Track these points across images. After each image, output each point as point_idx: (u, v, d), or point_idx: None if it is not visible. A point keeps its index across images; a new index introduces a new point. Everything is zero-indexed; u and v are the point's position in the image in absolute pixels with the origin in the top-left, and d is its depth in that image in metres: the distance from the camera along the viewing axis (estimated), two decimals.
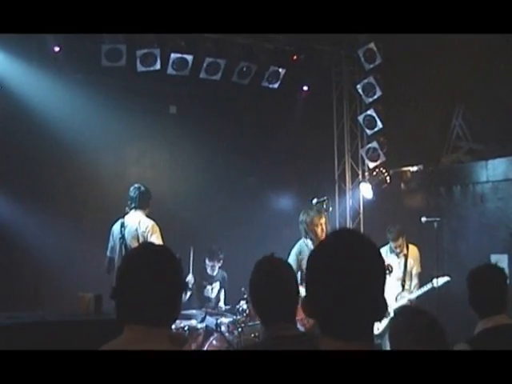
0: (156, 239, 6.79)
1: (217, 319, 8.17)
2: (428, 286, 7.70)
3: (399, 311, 3.42)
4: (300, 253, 7.26)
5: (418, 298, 7.95)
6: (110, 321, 4.84)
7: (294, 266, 7.06)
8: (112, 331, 4.14)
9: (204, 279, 8.80)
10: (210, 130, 9.76)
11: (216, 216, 9.64)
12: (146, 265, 2.53)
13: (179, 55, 8.79)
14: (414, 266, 8.10)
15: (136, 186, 7.20)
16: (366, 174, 10.20)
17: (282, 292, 3.16)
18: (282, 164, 10.32)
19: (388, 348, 7.63)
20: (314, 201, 7.10)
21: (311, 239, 7.30)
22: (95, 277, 7.55)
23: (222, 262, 8.94)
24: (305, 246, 7.36)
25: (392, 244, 8.08)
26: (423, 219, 7.72)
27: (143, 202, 7.13)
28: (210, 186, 9.78)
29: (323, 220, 7.31)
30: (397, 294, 8.06)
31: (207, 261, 8.85)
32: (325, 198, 7.05)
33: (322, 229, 7.39)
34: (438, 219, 7.62)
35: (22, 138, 8.48)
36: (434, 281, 7.57)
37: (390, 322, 7.51)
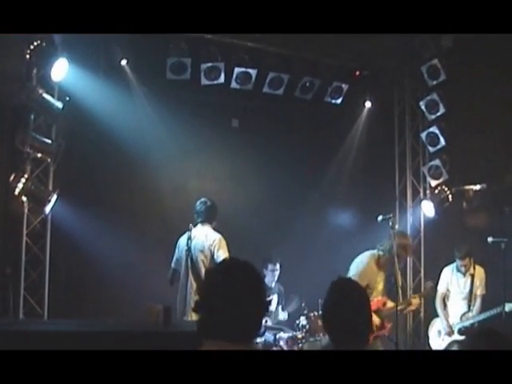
0: (223, 253, 6.81)
1: (275, 334, 8.15)
2: (497, 310, 7.51)
3: (483, 332, 3.34)
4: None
5: (480, 322, 7.78)
6: (179, 333, 4.87)
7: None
8: (181, 343, 4.18)
9: None
10: (272, 145, 9.77)
11: (276, 230, 9.62)
12: (232, 280, 2.54)
13: (243, 69, 8.85)
14: (479, 288, 7.96)
15: (203, 200, 7.25)
16: (428, 191, 10.06)
17: (355, 315, 3.16)
18: (343, 180, 10.25)
19: None
20: (380, 218, 6.99)
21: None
22: (156, 288, 7.62)
23: (279, 270, 8.90)
24: (374, 262, 7.28)
25: (459, 262, 7.97)
26: (489, 239, 7.54)
27: (210, 216, 7.17)
28: (271, 200, 9.76)
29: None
30: (462, 313, 7.92)
31: (268, 267, 8.81)
32: (390, 215, 6.95)
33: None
34: (505, 240, 7.44)
35: (87, 149, 8.63)
36: (503, 306, 7.37)
37: (465, 343, 7.46)
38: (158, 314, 4.88)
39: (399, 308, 7.09)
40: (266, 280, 8.76)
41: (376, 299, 7.06)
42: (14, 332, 4.73)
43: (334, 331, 3.22)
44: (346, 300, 3.21)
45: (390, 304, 7.28)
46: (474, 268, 8.02)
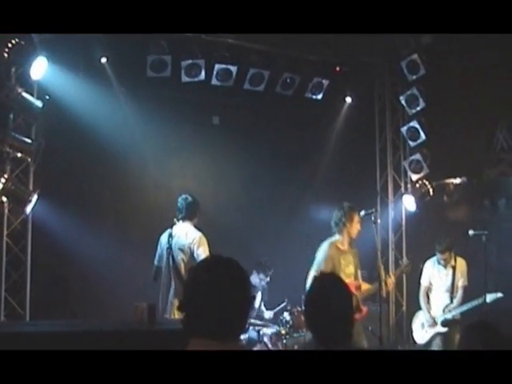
0: (203, 252, 6.78)
1: (259, 330, 8.16)
2: (479, 301, 7.57)
3: (475, 325, 3.35)
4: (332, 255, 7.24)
5: (462, 313, 7.85)
6: (164, 331, 4.85)
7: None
8: (166, 341, 4.17)
9: None
10: (253, 141, 9.80)
11: (257, 226, 9.65)
12: (216, 277, 2.52)
13: (224, 66, 8.84)
14: (461, 279, 8.01)
15: (184, 196, 7.20)
16: (409, 186, 10.11)
17: (337, 311, 3.15)
18: (323, 175, 10.27)
19: None
20: (362, 213, 7.04)
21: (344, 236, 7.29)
22: (139, 286, 7.61)
23: (269, 278, 8.95)
24: (334, 246, 7.30)
25: (439, 256, 8.02)
26: (471, 232, 7.58)
27: (191, 213, 7.12)
28: (252, 197, 9.79)
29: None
30: (444, 305, 7.98)
31: (254, 273, 8.86)
32: (373, 209, 7.00)
33: (358, 229, 7.38)
34: (486, 232, 7.48)
35: (68, 148, 8.57)
36: (486, 296, 7.43)
37: (449, 333, 7.47)
38: (143, 312, 4.85)
39: (375, 290, 7.18)
40: (252, 279, 8.78)
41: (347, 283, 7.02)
42: None
43: (316, 327, 3.19)
44: (328, 295, 3.19)
45: (364, 287, 7.32)
46: (456, 260, 8.06)
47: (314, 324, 3.22)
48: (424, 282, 8.26)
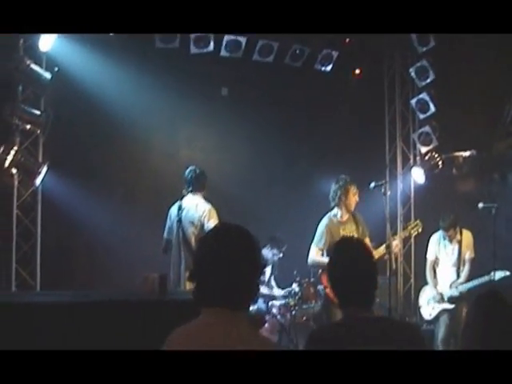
0: (213, 224, 6.76)
1: (268, 302, 8.21)
2: (485, 279, 7.56)
3: (484, 295, 3.34)
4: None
5: (469, 290, 7.83)
6: (175, 301, 4.88)
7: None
8: (177, 311, 4.19)
9: None
10: (261, 113, 9.72)
11: (265, 200, 9.62)
12: (226, 246, 2.51)
13: (233, 37, 8.77)
14: (467, 252, 7.97)
15: (191, 168, 7.18)
16: (418, 158, 10.07)
17: (360, 274, 3.13)
18: (333, 148, 10.22)
19: (441, 334, 7.62)
20: (372, 184, 7.01)
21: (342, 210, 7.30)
22: (148, 257, 7.64)
23: (282, 253, 8.92)
24: (332, 220, 7.34)
25: (444, 232, 7.98)
26: (480, 205, 7.56)
27: (199, 185, 7.10)
28: (259, 170, 9.75)
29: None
30: (451, 281, 7.95)
31: (268, 247, 8.82)
32: (383, 181, 6.97)
33: (356, 201, 7.38)
34: (495, 205, 7.46)
35: (77, 119, 8.57)
36: (492, 274, 7.42)
37: (456, 310, 7.44)
38: (154, 283, 4.87)
39: (380, 254, 7.19)
40: (264, 253, 8.79)
41: None
42: (7, 304, 4.71)
43: (341, 290, 3.17)
44: (353, 257, 3.17)
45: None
46: (461, 234, 8.01)
47: (338, 287, 3.19)
48: (430, 256, 8.22)
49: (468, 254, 7.99)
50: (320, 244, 7.24)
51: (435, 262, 8.22)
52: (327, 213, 7.46)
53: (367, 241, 7.19)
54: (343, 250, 3.29)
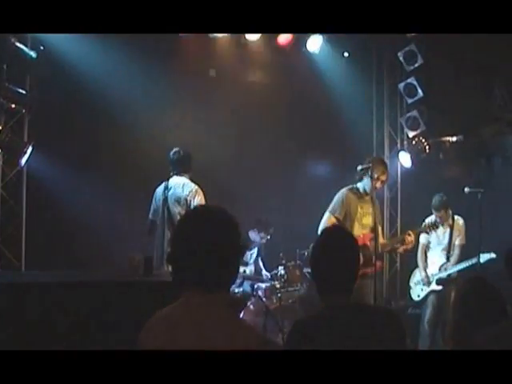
0: (199, 203, 6.75)
1: (253, 284, 8.22)
2: (472, 261, 7.62)
3: (472, 280, 3.36)
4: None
5: (458, 272, 7.91)
6: (159, 282, 4.87)
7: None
8: (161, 293, 4.19)
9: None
10: (250, 94, 9.67)
11: (253, 182, 9.59)
12: (204, 227, 2.46)
13: None
14: (458, 238, 8.05)
15: (176, 149, 7.10)
16: (405, 142, 10.09)
17: (342, 263, 3.10)
18: (320, 130, 10.18)
19: (428, 315, 7.71)
20: (359, 167, 6.90)
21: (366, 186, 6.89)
22: (134, 239, 7.61)
23: (270, 236, 8.89)
24: (354, 192, 6.96)
25: (435, 214, 8.01)
26: (466, 189, 7.59)
27: (184, 167, 7.05)
28: (248, 151, 9.71)
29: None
30: (441, 264, 8.03)
31: (255, 230, 8.81)
32: (369, 164, 6.84)
33: (382, 183, 7.11)
34: (481, 190, 7.48)
35: (63, 99, 8.45)
36: (480, 256, 7.46)
37: (444, 292, 7.46)
38: (139, 264, 4.86)
39: (392, 246, 7.08)
40: (251, 236, 8.79)
41: (362, 234, 6.68)
42: None
43: (318, 277, 3.16)
44: (335, 246, 3.14)
45: (381, 240, 6.88)
46: (453, 219, 8.08)
47: (315, 273, 3.18)
48: (422, 239, 8.25)
49: (459, 240, 8.08)
50: (336, 213, 6.79)
51: (427, 246, 8.28)
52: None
53: (378, 228, 6.72)
54: (327, 238, 3.28)
